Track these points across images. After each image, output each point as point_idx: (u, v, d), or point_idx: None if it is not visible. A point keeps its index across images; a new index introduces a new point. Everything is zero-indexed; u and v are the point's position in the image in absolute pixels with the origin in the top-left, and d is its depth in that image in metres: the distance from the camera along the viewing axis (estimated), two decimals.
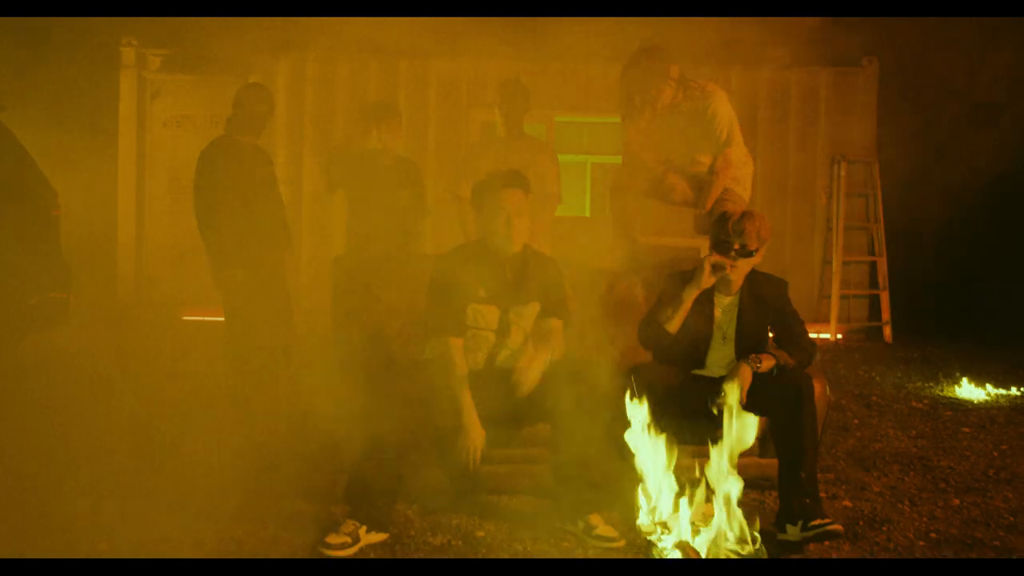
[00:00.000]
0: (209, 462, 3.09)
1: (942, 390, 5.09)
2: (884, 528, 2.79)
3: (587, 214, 8.15)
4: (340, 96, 7.00)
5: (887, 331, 6.90)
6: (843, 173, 6.81)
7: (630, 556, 2.48)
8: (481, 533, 2.68)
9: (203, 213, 3.79)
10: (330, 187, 4.54)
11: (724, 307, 2.86)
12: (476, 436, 2.67)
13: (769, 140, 6.95)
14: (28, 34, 7.01)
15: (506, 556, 2.51)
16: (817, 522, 2.50)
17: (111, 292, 7.12)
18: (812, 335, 5.95)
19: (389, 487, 2.59)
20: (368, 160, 4.39)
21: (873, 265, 7.02)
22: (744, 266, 2.80)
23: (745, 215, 2.84)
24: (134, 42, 7.00)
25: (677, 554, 1.86)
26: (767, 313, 2.87)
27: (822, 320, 6.89)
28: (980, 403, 4.79)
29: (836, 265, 6.80)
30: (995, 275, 8.20)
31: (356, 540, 2.50)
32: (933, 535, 2.74)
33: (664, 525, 1.95)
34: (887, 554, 2.59)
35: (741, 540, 1.86)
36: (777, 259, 6.98)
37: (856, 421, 4.26)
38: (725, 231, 2.80)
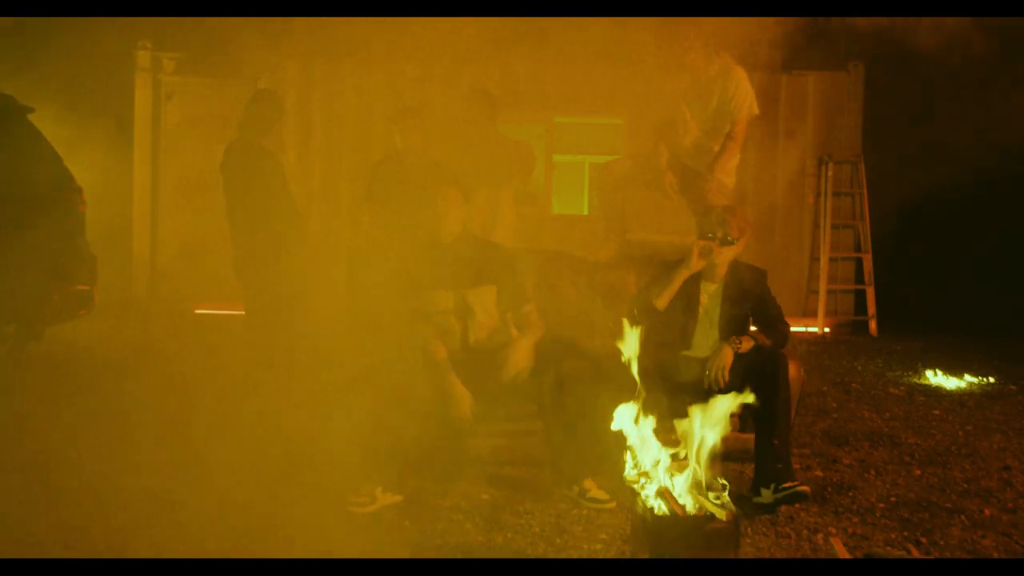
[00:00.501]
0: (244, 439, 3.38)
1: (919, 378, 5.41)
2: (850, 493, 3.10)
3: (585, 212, 8.46)
4: (347, 97, 7.32)
5: (872, 325, 7.21)
6: (830, 173, 7.13)
7: (620, 515, 2.79)
8: (486, 496, 2.98)
9: (228, 211, 4.10)
10: (371, 198, 4.61)
11: (710, 294, 3.17)
12: (463, 401, 2.92)
13: (759, 141, 7.25)
14: (46, 37, 7.30)
15: (509, 516, 2.80)
16: (787, 485, 2.82)
17: (126, 286, 7.43)
18: (800, 328, 6.28)
19: (405, 457, 2.90)
20: (394, 164, 4.57)
21: (859, 261, 7.34)
22: (727, 254, 3.11)
23: (727, 209, 3.16)
24: (149, 46, 7.31)
25: (659, 501, 2.17)
26: (748, 299, 3.18)
27: (810, 314, 7.22)
28: (954, 390, 5.10)
29: (823, 261, 7.12)
30: (981, 273, 8.52)
31: (374, 500, 2.81)
32: (892, 499, 3.05)
33: (646, 475, 2.26)
34: (851, 515, 2.89)
35: (711, 488, 2.17)
36: (767, 255, 7.28)
37: (835, 405, 4.58)
38: (710, 222, 3.11)
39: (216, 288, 7.37)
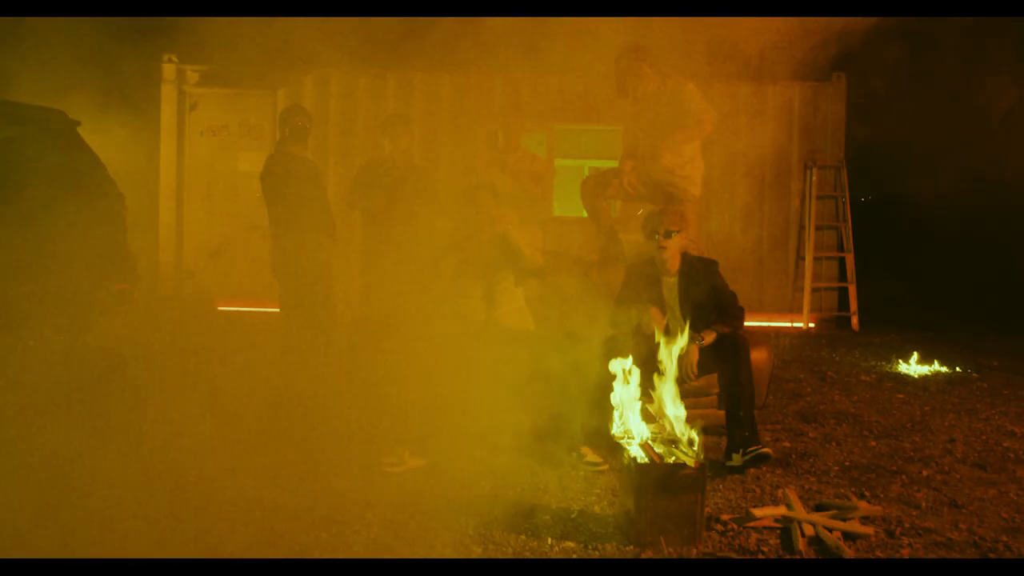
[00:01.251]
0: (292, 417, 3.91)
1: (891, 367, 5.94)
2: (811, 460, 3.63)
3: (584, 214, 8.97)
4: (361, 106, 7.86)
5: (854, 320, 7.74)
6: (814, 178, 7.66)
7: (611, 475, 3.31)
8: (498, 461, 3.51)
9: (270, 216, 4.62)
10: (351, 205, 5.20)
11: (668, 286, 3.70)
12: None
13: (748, 148, 7.80)
14: (77, 50, 7.83)
15: (519, 476, 3.32)
16: (752, 448, 3.34)
17: (152, 284, 7.95)
18: (787, 324, 6.87)
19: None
20: (377, 167, 5.09)
21: (842, 261, 7.87)
22: (674, 246, 3.63)
23: (663, 210, 3.73)
24: (174, 59, 7.85)
25: (641, 452, 2.69)
26: (702, 287, 3.68)
27: (796, 310, 7.75)
28: (921, 376, 5.63)
29: (808, 261, 7.65)
30: (961, 272, 9.06)
31: (403, 462, 3.34)
32: (847, 463, 3.58)
33: (629, 433, 2.78)
34: (809, 476, 3.42)
35: (689, 442, 2.69)
36: (756, 255, 7.86)
37: (809, 390, 5.11)
38: (652, 222, 3.66)
39: (236, 286, 7.94)
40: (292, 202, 4.59)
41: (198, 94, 7.93)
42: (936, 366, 5.89)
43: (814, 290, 7.73)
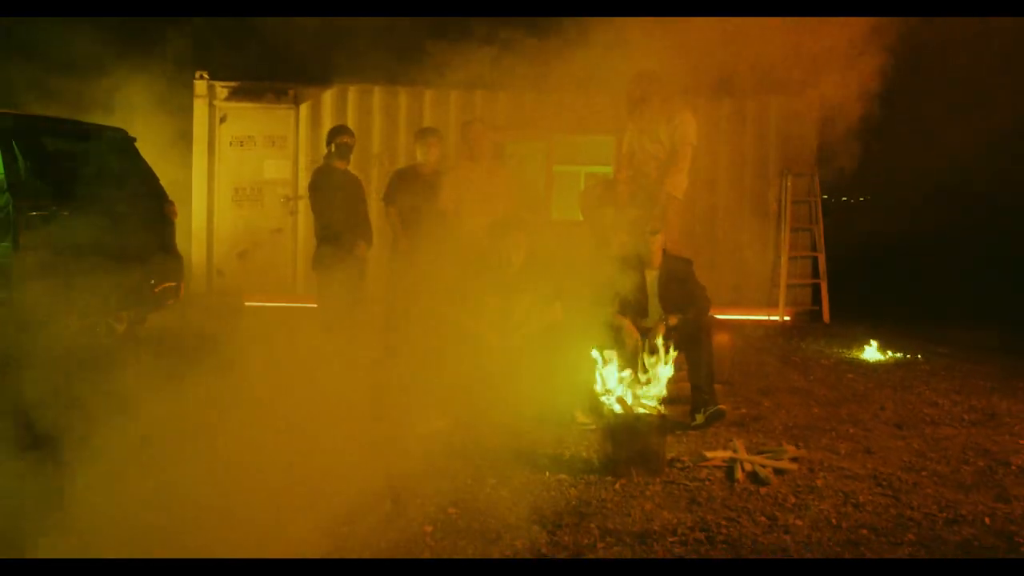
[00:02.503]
0: (335, 394, 4.78)
1: (849, 353, 6.82)
2: (761, 422, 4.51)
3: (580, 218, 9.85)
4: (376, 119, 8.73)
5: (825, 313, 8.62)
6: (789, 184, 8.55)
7: (598, 433, 4.18)
8: (507, 423, 4.36)
9: (316, 222, 5.47)
10: (389, 200, 6.04)
11: (651, 277, 4.57)
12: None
13: (729, 157, 8.69)
14: (116, 68, 8.70)
15: (525, 433, 4.18)
16: (711, 409, 4.22)
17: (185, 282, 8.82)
18: (764, 316, 7.85)
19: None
20: (410, 173, 5.94)
21: (815, 260, 8.75)
22: (656, 243, 4.49)
23: (649, 213, 4.59)
24: (205, 76, 8.70)
25: (618, 406, 3.56)
26: (678, 280, 4.55)
27: (773, 304, 8.62)
28: (875, 361, 6.51)
29: (784, 260, 8.53)
30: (928, 269, 9.94)
31: (430, 422, 4.21)
32: (790, 424, 4.46)
33: (609, 392, 3.65)
34: (758, 433, 4.29)
35: (660, 399, 3.57)
36: (736, 255, 8.73)
37: (773, 371, 5.98)
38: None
39: (261, 284, 8.81)
40: (336, 210, 5.42)
41: (227, 108, 8.78)
42: (889, 353, 6.78)
43: (789, 286, 8.60)
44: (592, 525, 2.97)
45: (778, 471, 3.61)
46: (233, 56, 8.76)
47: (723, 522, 3.03)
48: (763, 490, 3.40)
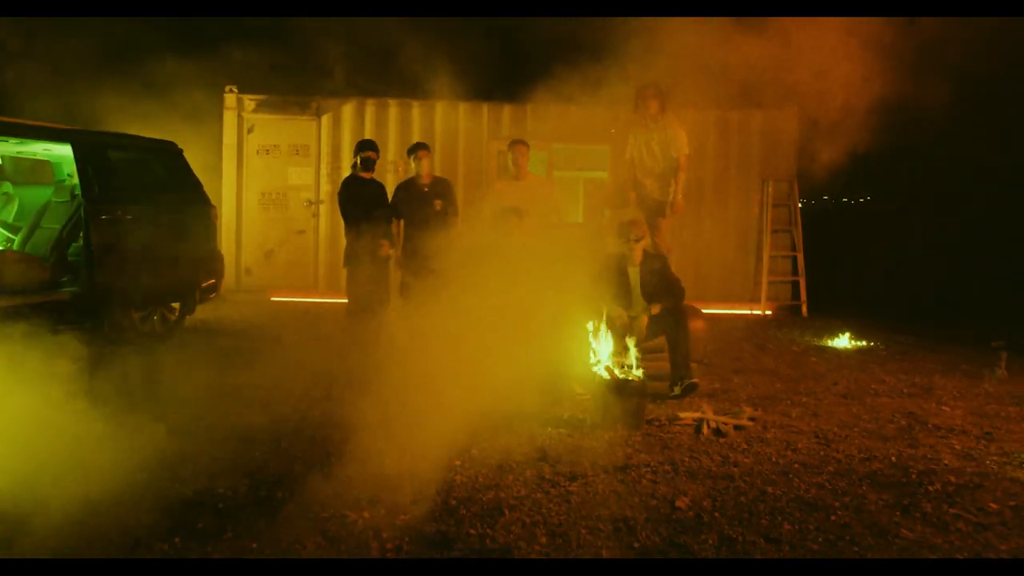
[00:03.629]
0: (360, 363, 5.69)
1: (819, 342, 7.72)
2: (729, 393, 5.41)
3: (580, 219, 10.77)
4: (391, 129, 9.65)
5: (804, 308, 9.53)
6: (770, 190, 9.46)
7: (592, 402, 5.07)
8: (515, 393, 5.25)
9: (345, 226, 6.35)
10: (395, 211, 6.88)
11: (633, 273, 5.46)
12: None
13: (716, 165, 9.60)
14: (156, 84, 9.61)
15: (528, 398, 5.07)
16: (687, 382, 5.12)
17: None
18: (747, 311, 8.87)
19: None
20: (410, 184, 6.80)
21: (794, 259, 9.66)
22: (638, 248, 5.39)
23: (632, 222, 5.48)
24: (235, 90, 9.62)
25: (605, 373, 4.46)
26: (656, 274, 5.44)
27: (756, 300, 9.53)
28: (840, 348, 7.41)
29: (765, 259, 9.44)
30: (900, 268, 10.85)
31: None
32: (753, 395, 5.36)
33: (599, 362, 4.55)
34: (726, 401, 5.18)
35: (635, 367, 4.47)
36: (722, 255, 9.64)
37: (748, 356, 6.88)
38: (625, 230, 5.41)
39: (285, 281, 9.72)
40: (361, 215, 6.32)
41: (254, 119, 9.70)
42: (855, 341, 7.68)
43: (770, 283, 9.51)
44: (585, 461, 3.87)
45: (737, 427, 4.51)
46: (260, 71, 9.67)
47: (687, 459, 3.93)
48: (722, 440, 4.30)
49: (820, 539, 2.97)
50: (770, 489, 3.52)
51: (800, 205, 9.74)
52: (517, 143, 6.60)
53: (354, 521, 3.04)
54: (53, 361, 4.90)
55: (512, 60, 9.98)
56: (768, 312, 9.51)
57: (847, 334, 7.83)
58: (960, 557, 2.86)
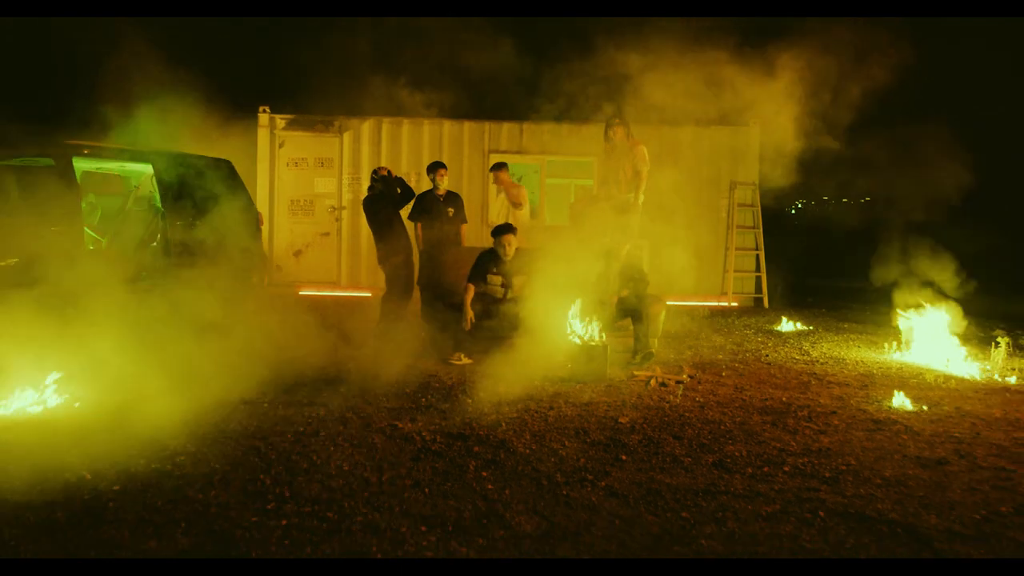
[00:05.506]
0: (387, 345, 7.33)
1: (769, 326, 9.36)
2: (679, 361, 7.03)
3: (567, 223, 12.39)
4: (404, 145, 11.30)
5: (765, 300, 11.17)
6: (736, 193, 11.09)
7: (568, 365, 6.71)
8: (516, 362, 6.89)
9: (373, 232, 8.00)
10: (414, 217, 8.60)
11: (607, 267, 7.11)
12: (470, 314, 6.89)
13: (689, 173, 11.24)
14: (199, 103, 11.24)
15: (525, 365, 6.72)
16: (645, 351, 6.75)
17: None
18: (714, 303, 10.66)
19: (469, 340, 6.87)
20: (428, 195, 8.49)
21: (756, 256, 11.30)
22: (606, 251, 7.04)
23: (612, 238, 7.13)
24: (267, 110, 11.27)
25: (578, 340, 6.09)
26: (625, 265, 7.08)
27: (723, 292, 11.17)
28: (786, 331, 9.05)
29: (731, 255, 11.08)
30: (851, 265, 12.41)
31: (460, 359, 6.76)
32: (697, 361, 6.99)
33: (577, 334, 6.20)
34: (675, 366, 6.81)
35: (600, 337, 6.10)
36: (694, 251, 11.26)
37: (703, 336, 8.52)
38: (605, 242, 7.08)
39: (312, 277, 11.37)
40: (383, 221, 7.97)
41: (285, 136, 11.35)
42: (799, 325, 9.31)
43: (736, 277, 11.15)
44: (561, 400, 5.50)
45: (678, 382, 6.15)
46: (290, 93, 11.33)
47: (633, 399, 5.56)
48: (663, 389, 5.93)
49: (709, 437, 4.60)
50: (686, 414, 5.16)
51: (760, 208, 11.40)
52: (497, 167, 8.67)
53: (403, 428, 4.68)
54: (153, 332, 6.57)
55: (510, 85, 11.63)
56: (734, 304, 11.15)
57: (794, 321, 9.46)
58: (794, 448, 4.48)
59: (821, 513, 3.39)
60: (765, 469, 3.99)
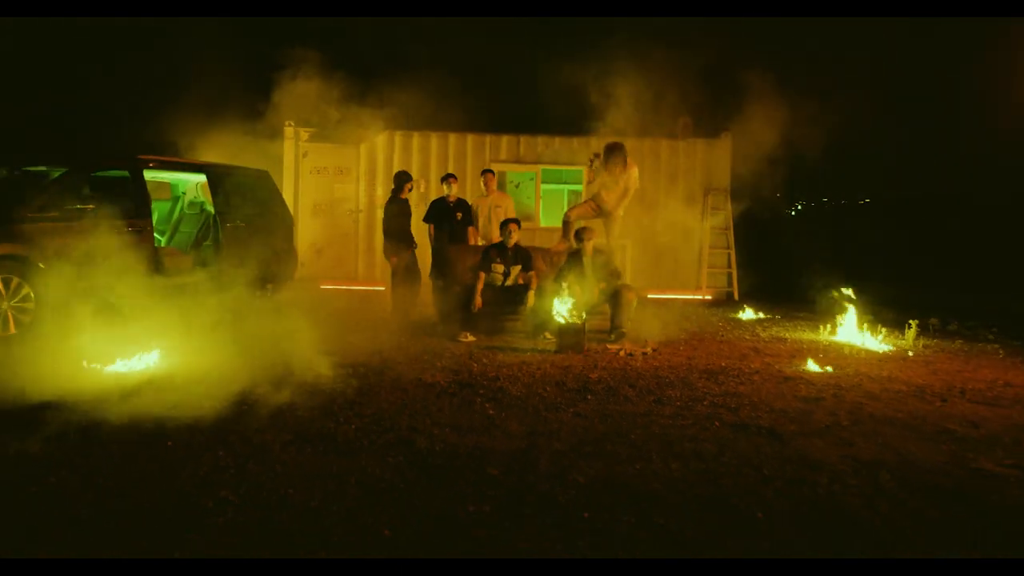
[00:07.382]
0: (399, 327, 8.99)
1: (734, 315, 11.01)
2: (647, 339, 8.69)
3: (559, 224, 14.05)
4: (415, 155, 12.98)
5: (735, 293, 12.83)
6: (710, 199, 12.77)
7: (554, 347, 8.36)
8: (508, 338, 8.55)
9: (387, 230, 9.69)
10: (427, 220, 10.27)
11: (586, 262, 8.76)
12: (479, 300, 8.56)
13: (668, 180, 12.92)
14: (229, 122, 12.92)
15: (519, 344, 8.37)
16: (619, 331, 8.41)
17: None
18: (690, 296, 12.65)
19: (473, 321, 8.54)
20: (440, 201, 10.16)
21: (728, 254, 12.97)
22: (589, 245, 8.70)
23: (583, 229, 8.79)
24: (292, 124, 12.96)
25: (561, 320, 7.73)
26: (603, 263, 8.74)
27: (698, 286, 12.83)
28: (746, 319, 10.70)
29: (705, 253, 12.75)
30: (813, 264, 14.07)
31: (466, 337, 8.42)
32: (664, 340, 8.65)
33: (559, 314, 7.84)
34: (646, 344, 8.46)
35: (579, 318, 7.75)
36: (673, 249, 12.96)
37: (671, 321, 10.17)
38: (580, 233, 8.73)
39: (333, 272, 13.05)
40: (397, 224, 9.63)
41: (308, 147, 13.03)
42: (760, 315, 10.97)
43: (710, 273, 12.82)
44: (547, 364, 7.14)
45: (643, 354, 7.80)
46: (313, 110, 13.00)
47: (604, 364, 7.21)
48: (630, 359, 7.58)
49: (655, 386, 6.25)
50: (643, 373, 6.81)
51: (733, 211, 13.08)
52: (485, 172, 10.30)
53: (426, 380, 6.33)
54: (207, 318, 8.24)
55: (509, 103, 13.30)
56: (708, 297, 12.81)
57: (757, 311, 11.13)
58: (715, 392, 6.14)
59: (716, 423, 5.05)
60: (689, 404, 5.66)
